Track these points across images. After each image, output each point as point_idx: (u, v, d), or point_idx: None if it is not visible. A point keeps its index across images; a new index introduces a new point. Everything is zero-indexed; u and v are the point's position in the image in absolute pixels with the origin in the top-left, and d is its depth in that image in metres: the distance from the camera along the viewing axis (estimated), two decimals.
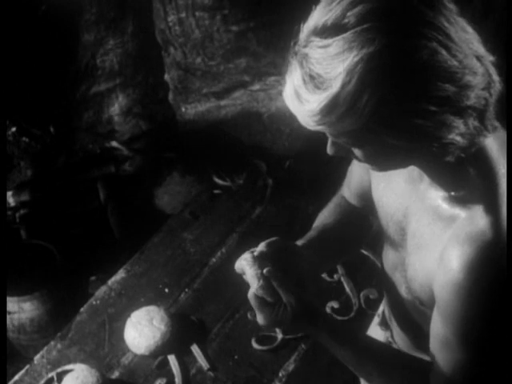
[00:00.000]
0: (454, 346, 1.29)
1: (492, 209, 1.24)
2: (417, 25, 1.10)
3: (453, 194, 1.29)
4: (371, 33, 1.09)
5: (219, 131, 3.21)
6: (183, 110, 3.27)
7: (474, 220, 1.24)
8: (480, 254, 1.21)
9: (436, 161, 1.24)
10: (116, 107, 3.19)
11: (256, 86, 3.11)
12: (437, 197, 1.33)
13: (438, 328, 1.32)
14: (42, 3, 2.81)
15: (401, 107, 1.12)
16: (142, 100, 3.23)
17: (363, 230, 1.76)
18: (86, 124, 3.17)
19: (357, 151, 1.24)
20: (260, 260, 1.44)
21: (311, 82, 1.14)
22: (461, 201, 1.28)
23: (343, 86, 1.10)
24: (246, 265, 1.45)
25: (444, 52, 1.11)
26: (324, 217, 1.73)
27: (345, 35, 1.10)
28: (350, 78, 1.09)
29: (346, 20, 1.10)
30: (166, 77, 3.22)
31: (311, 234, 1.65)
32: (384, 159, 1.26)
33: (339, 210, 1.75)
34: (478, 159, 1.25)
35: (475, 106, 1.16)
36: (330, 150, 1.29)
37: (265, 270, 1.41)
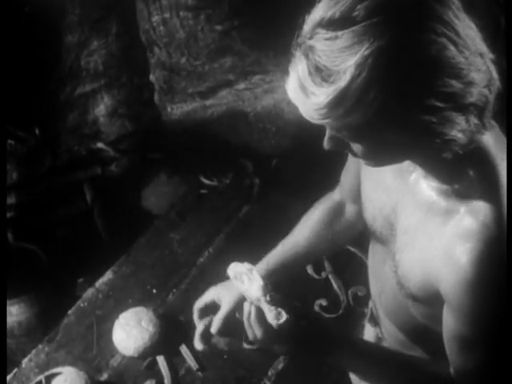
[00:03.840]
0: (473, 345, 1.29)
1: (494, 202, 1.24)
2: (427, 19, 1.10)
3: (448, 187, 1.29)
4: (382, 26, 1.08)
5: (205, 131, 3.21)
6: (169, 110, 3.26)
7: (477, 214, 1.24)
8: (488, 249, 1.21)
9: (434, 156, 1.24)
10: (101, 108, 3.18)
11: (241, 85, 3.11)
12: (430, 190, 1.32)
13: (455, 330, 1.31)
14: (26, 5, 2.80)
15: (408, 102, 1.12)
16: (127, 101, 3.22)
17: (350, 230, 1.79)
18: (71, 126, 3.16)
19: (355, 146, 1.24)
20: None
21: (318, 74, 1.12)
22: (457, 194, 1.28)
23: (352, 79, 1.09)
24: (244, 276, 1.42)
25: (452, 48, 1.10)
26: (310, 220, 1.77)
27: (355, 28, 1.09)
28: (360, 71, 1.08)
29: (356, 13, 1.09)
30: (151, 77, 3.22)
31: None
32: (382, 154, 1.26)
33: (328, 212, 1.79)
34: (475, 154, 1.25)
35: (477, 104, 1.16)
36: (326, 144, 1.28)
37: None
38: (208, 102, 3.19)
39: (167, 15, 2.98)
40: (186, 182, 3.06)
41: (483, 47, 1.17)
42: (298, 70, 1.16)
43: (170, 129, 3.28)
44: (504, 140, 1.31)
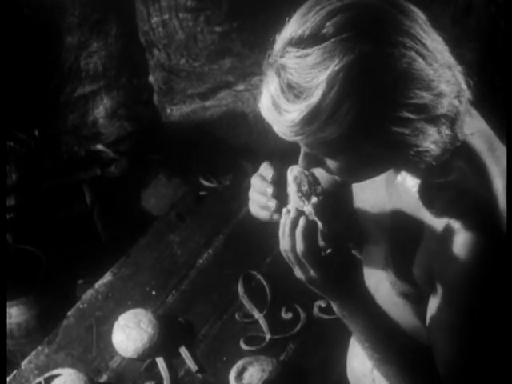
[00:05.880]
0: (468, 332, 1.28)
1: (484, 191, 1.25)
2: (396, 34, 1.12)
3: (436, 183, 1.30)
4: (351, 42, 1.10)
5: (205, 132, 3.21)
6: (168, 111, 3.26)
7: (468, 202, 1.25)
8: (480, 233, 1.23)
9: (410, 167, 1.27)
10: (101, 109, 3.18)
11: (241, 87, 3.11)
12: (417, 187, 1.33)
13: (450, 318, 1.30)
14: (25, 6, 2.81)
15: (380, 115, 1.13)
16: (126, 102, 3.22)
17: None
18: (70, 127, 3.16)
19: (331, 162, 1.24)
20: (314, 178, 1.29)
21: (290, 91, 1.14)
22: (447, 188, 1.28)
23: (324, 94, 1.11)
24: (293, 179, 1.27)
25: (421, 60, 1.13)
26: None
27: (324, 44, 1.11)
28: (332, 86, 1.10)
29: (325, 30, 1.11)
30: (151, 78, 3.22)
31: None
32: (356, 169, 1.26)
33: None
34: (460, 150, 1.26)
35: (448, 114, 1.19)
36: (301, 162, 1.29)
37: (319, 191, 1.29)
38: (207, 104, 3.19)
39: (166, 16, 2.99)
40: (186, 183, 3.06)
41: (451, 59, 1.19)
42: (270, 89, 1.17)
43: (170, 130, 3.28)
44: (492, 136, 1.33)
